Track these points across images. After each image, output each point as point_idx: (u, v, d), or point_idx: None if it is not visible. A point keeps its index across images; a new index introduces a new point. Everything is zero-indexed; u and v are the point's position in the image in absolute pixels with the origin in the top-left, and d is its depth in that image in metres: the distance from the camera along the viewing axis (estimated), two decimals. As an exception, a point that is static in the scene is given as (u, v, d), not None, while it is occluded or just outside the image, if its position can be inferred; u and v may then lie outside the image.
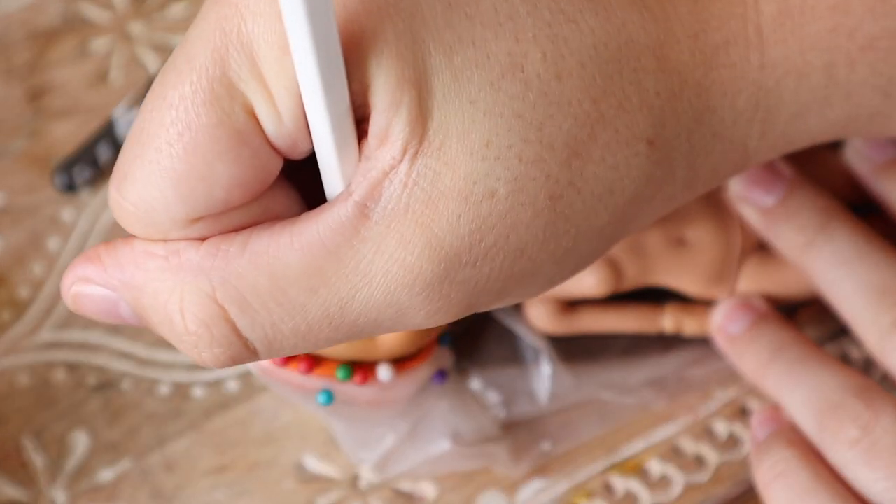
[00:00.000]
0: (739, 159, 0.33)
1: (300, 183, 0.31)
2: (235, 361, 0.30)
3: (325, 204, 0.29)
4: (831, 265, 0.39)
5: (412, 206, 0.28)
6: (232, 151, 0.28)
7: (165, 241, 0.29)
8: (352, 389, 0.40)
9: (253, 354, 0.30)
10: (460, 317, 0.30)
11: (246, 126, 0.28)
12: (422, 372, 0.41)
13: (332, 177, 0.28)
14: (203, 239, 0.29)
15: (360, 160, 0.28)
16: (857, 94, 0.32)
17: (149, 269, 0.29)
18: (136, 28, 0.53)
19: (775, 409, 0.41)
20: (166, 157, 0.28)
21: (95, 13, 0.55)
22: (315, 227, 0.28)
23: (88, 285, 0.30)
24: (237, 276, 0.28)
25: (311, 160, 0.29)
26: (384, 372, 0.40)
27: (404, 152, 0.28)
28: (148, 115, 0.28)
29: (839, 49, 0.32)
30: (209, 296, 0.28)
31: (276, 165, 0.29)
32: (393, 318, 0.29)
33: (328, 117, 0.27)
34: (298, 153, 0.29)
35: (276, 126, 0.28)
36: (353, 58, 0.27)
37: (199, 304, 0.28)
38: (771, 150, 0.33)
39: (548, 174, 0.29)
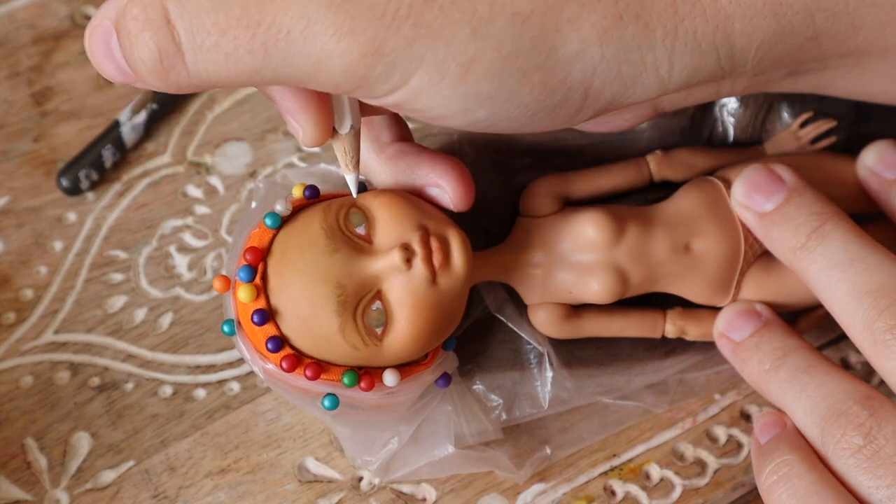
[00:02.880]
0: (710, 6, 0.34)
1: None
2: (163, 57, 0.33)
3: None
4: (824, 268, 0.39)
5: None
6: None
7: None
8: (357, 394, 0.40)
9: (177, 49, 0.32)
10: (368, 57, 0.32)
11: None
12: (426, 377, 0.41)
13: None
14: None
15: None
16: None
17: None
18: (142, 32, 0.53)
19: (778, 414, 0.41)
20: None
21: (101, 17, 0.55)
22: None
23: (100, 23, 0.34)
24: None
25: None
26: (390, 378, 0.40)
27: None
28: None
29: None
30: None
31: None
32: (303, 32, 0.32)
33: None
34: None
35: None
36: None
37: None
38: (746, 18, 0.35)
39: None
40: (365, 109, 0.38)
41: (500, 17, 0.33)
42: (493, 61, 0.33)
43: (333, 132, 0.37)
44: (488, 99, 0.34)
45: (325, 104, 0.36)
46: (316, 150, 0.51)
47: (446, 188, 0.40)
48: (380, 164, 0.41)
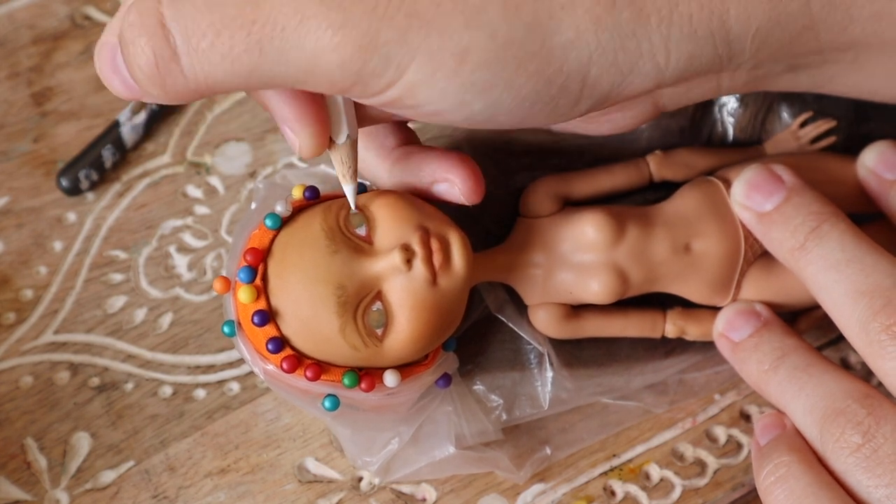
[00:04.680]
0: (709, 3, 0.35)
1: None
2: (158, 62, 0.33)
3: None
4: (821, 268, 0.39)
5: None
6: None
7: None
8: (357, 394, 0.40)
9: (173, 53, 0.33)
10: (363, 50, 0.32)
11: None
12: (427, 377, 0.41)
13: None
14: None
15: None
16: None
17: None
18: (142, 32, 0.53)
19: (778, 415, 0.41)
20: None
21: (101, 16, 0.55)
22: None
23: (108, 40, 0.34)
24: None
25: None
26: (390, 378, 0.40)
27: None
28: None
29: None
30: None
31: None
32: (297, 28, 0.32)
33: None
34: None
35: None
36: None
37: None
38: (741, 4, 0.35)
39: None
40: (365, 119, 0.38)
41: (491, 5, 0.33)
42: (487, 50, 0.33)
43: (330, 143, 0.37)
44: (485, 90, 0.34)
45: (321, 113, 0.36)
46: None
47: (455, 181, 0.40)
48: (386, 169, 0.41)
